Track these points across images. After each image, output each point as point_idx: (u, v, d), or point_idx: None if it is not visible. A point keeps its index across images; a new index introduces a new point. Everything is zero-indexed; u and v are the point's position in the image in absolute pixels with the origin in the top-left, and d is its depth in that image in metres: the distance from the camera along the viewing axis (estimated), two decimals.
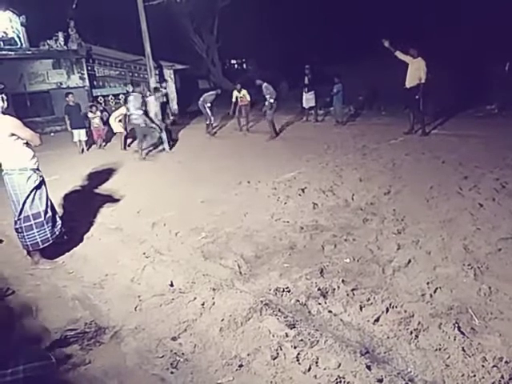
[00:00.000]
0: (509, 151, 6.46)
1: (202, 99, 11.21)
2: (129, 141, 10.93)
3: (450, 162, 6.26)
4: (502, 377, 2.04)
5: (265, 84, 10.28)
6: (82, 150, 10.33)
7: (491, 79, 11.50)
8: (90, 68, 16.27)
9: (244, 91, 11.61)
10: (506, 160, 6.01)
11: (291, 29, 18.62)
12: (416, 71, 8.17)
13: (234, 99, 11.69)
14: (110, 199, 5.74)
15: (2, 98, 3.52)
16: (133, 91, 9.46)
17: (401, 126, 9.48)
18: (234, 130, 11.77)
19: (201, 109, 11.38)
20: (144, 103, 8.95)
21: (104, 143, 10.97)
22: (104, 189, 6.43)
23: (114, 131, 10.56)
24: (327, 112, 13.00)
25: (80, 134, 10.17)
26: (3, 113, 3.51)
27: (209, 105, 11.14)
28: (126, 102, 11.37)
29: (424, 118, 8.74)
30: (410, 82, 8.35)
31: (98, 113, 10.66)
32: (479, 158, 6.31)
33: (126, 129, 10.50)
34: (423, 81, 8.12)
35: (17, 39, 14.43)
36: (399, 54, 8.40)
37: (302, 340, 2.41)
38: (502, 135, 7.83)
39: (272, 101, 10.21)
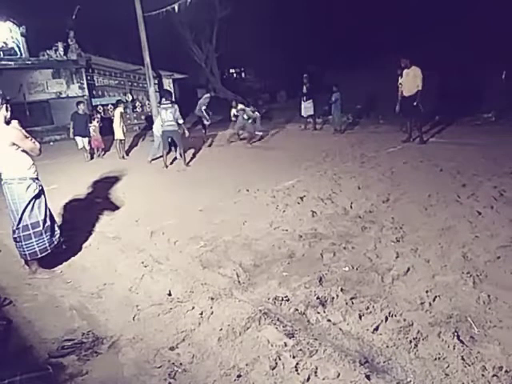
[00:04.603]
0: (507, 159, 6.50)
1: (197, 106, 11.51)
2: (127, 147, 11.00)
3: (448, 169, 6.29)
4: None
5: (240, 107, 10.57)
6: (90, 157, 10.55)
7: (488, 87, 11.61)
8: (89, 78, 16.37)
9: (240, 105, 11.82)
10: (503, 168, 6.04)
11: (290, 38, 18.78)
12: (413, 79, 8.25)
13: (232, 117, 11.88)
14: (109, 208, 5.73)
15: (7, 107, 3.52)
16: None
17: (399, 134, 9.54)
18: (233, 138, 11.81)
19: (198, 114, 11.62)
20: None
21: (103, 152, 11.01)
22: (103, 198, 6.42)
23: (115, 138, 10.60)
24: (325, 120, 13.07)
25: (84, 142, 10.36)
26: (7, 122, 3.52)
27: (204, 107, 11.37)
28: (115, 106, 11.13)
29: (422, 126, 8.80)
30: (408, 91, 8.42)
31: (95, 123, 10.76)
32: (477, 165, 6.34)
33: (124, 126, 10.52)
34: (420, 88, 8.20)
35: (17, 49, 14.52)
36: (400, 82, 8.56)
37: (300, 349, 2.39)
38: (500, 143, 7.88)
39: (258, 114, 10.52)
